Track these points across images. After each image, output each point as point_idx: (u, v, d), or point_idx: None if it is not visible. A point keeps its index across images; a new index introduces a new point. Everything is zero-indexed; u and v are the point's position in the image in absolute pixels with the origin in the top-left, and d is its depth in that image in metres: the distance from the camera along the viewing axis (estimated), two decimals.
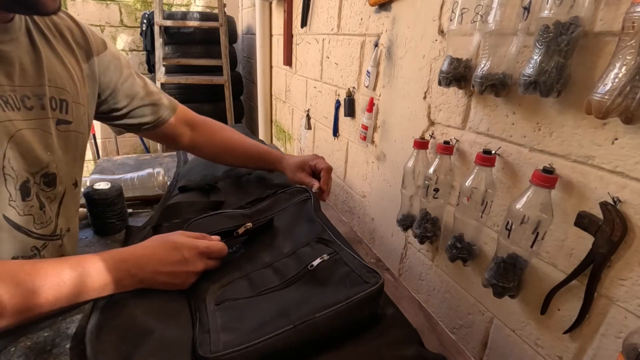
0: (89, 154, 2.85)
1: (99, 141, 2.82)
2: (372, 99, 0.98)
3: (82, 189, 0.84)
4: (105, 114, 0.69)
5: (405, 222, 0.81)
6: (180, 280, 0.50)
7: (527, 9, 0.50)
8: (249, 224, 0.61)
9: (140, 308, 0.46)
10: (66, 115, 0.56)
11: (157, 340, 0.40)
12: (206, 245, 0.52)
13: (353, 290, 0.43)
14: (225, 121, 2.24)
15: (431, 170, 0.68)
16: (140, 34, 2.41)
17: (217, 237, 0.56)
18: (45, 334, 0.48)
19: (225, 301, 0.48)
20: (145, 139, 2.89)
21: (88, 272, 0.45)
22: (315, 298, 0.44)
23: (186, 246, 0.51)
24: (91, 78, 0.62)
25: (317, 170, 0.80)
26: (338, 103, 1.18)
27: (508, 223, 0.53)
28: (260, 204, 0.70)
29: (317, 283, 0.48)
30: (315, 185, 0.76)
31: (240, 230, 0.59)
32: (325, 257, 0.51)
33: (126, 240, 0.70)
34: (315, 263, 0.51)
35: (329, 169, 0.80)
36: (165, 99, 0.76)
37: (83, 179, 0.94)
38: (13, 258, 0.51)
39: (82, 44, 0.60)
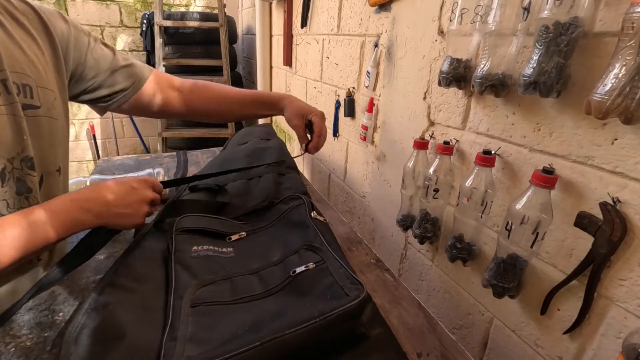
0: (88, 154, 2.85)
1: (99, 141, 2.82)
2: (372, 99, 0.98)
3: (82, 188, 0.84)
4: (79, 94, 0.67)
5: (405, 222, 0.81)
6: (133, 210, 0.55)
7: (526, 9, 0.50)
8: (243, 233, 0.61)
9: (123, 305, 0.45)
10: (32, 99, 0.55)
11: (128, 344, 0.39)
12: (150, 179, 0.62)
13: (331, 304, 0.41)
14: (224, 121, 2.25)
15: (431, 170, 0.68)
16: (140, 34, 2.41)
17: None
18: (45, 334, 0.48)
19: (201, 304, 0.46)
20: (145, 139, 2.89)
21: (39, 220, 0.48)
22: (291, 312, 0.42)
23: (132, 179, 0.58)
24: (57, 63, 0.60)
25: (311, 127, 0.79)
26: (338, 103, 1.18)
27: (508, 223, 0.53)
28: (257, 216, 0.69)
29: (298, 294, 0.46)
30: (303, 142, 0.77)
31: (234, 237, 0.59)
32: (311, 265, 0.50)
33: (134, 236, 0.71)
34: (298, 270, 0.49)
35: (323, 133, 0.79)
36: (138, 66, 0.73)
37: (83, 178, 0.94)
38: None
39: (41, 29, 0.58)
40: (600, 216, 0.45)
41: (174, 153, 1.33)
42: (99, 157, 2.80)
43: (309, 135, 0.80)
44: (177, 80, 0.80)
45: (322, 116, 0.79)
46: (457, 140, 0.69)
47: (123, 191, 0.55)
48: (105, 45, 0.70)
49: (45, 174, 0.59)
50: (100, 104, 0.71)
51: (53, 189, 0.61)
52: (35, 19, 0.58)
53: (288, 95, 0.81)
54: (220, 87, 0.82)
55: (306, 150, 0.79)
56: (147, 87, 0.74)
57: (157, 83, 0.75)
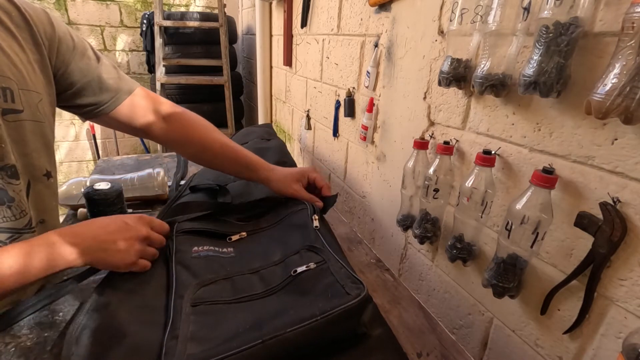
0: (88, 154, 2.85)
1: (99, 141, 2.82)
2: (372, 99, 0.98)
3: (82, 189, 0.84)
4: (57, 96, 0.63)
5: (405, 223, 0.81)
6: (125, 246, 0.51)
7: (526, 9, 0.50)
8: (244, 233, 0.61)
9: (123, 306, 0.45)
10: (13, 104, 0.53)
11: (129, 344, 0.40)
12: (148, 217, 0.57)
13: (332, 303, 0.41)
14: (225, 121, 2.25)
15: (431, 170, 0.68)
16: (140, 34, 2.41)
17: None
18: (45, 334, 0.48)
19: (202, 303, 0.46)
20: (145, 140, 2.89)
21: (34, 254, 0.46)
22: (293, 310, 0.43)
23: (127, 216, 0.55)
24: (42, 63, 0.57)
25: (317, 187, 0.75)
26: (338, 103, 1.18)
27: (508, 223, 0.53)
28: (258, 217, 0.69)
29: (299, 293, 0.47)
30: (319, 204, 0.71)
31: (234, 237, 0.59)
32: (312, 265, 0.50)
33: None
34: (299, 269, 0.49)
35: (328, 187, 0.75)
36: (123, 79, 0.69)
37: (83, 178, 0.94)
38: None
39: (24, 27, 0.55)
40: (600, 216, 0.45)
41: (174, 153, 1.33)
42: (99, 157, 2.80)
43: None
44: (166, 105, 0.74)
45: (315, 169, 0.77)
46: (457, 140, 0.69)
47: (115, 226, 0.52)
48: (94, 52, 0.66)
49: (33, 180, 0.58)
50: (75, 112, 0.68)
51: (42, 194, 0.60)
52: (18, 15, 0.55)
53: (268, 166, 0.76)
54: (204, 133, 0.75)
55: (323, 199, 0.73)
56: (126, 105, 0.69)
57: (140, 104, 0.70)
